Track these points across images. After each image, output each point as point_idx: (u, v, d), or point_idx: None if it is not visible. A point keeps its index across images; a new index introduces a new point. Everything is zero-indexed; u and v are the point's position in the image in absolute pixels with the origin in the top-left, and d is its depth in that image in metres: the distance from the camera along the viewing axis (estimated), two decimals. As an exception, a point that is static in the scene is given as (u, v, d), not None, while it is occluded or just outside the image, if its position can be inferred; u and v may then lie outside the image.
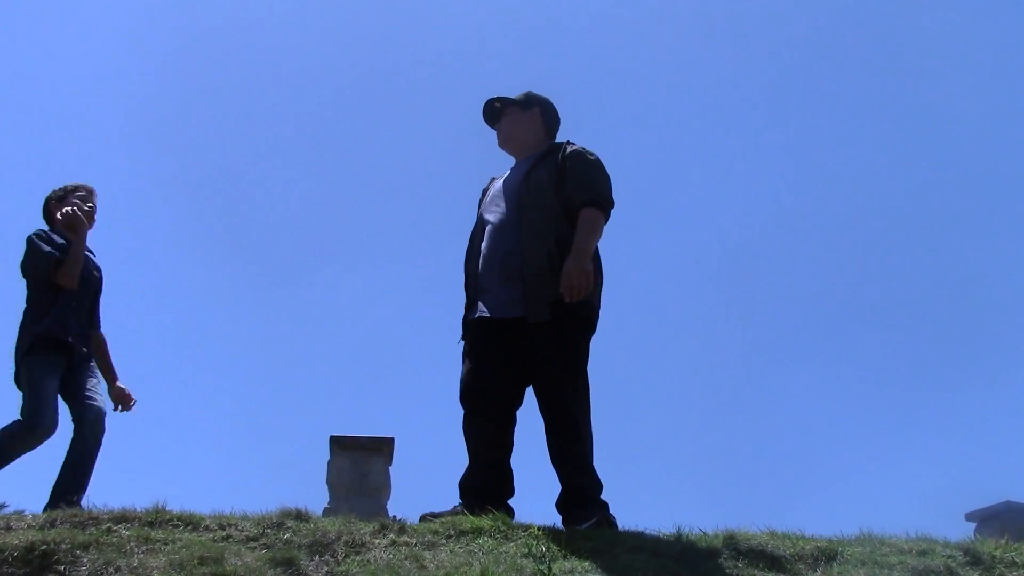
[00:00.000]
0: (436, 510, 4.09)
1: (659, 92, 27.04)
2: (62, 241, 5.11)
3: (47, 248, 5.04)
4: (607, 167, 4.51)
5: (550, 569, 2.89)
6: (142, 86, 24.91)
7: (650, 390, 25.48)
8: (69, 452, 4.91)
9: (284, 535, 3.52)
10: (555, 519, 4.00)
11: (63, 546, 3.20)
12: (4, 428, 4.76)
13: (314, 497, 8.79)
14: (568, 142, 4.63)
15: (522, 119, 4.73)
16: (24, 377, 4.92)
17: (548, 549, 3.03)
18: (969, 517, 11.56)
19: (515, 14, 25.30)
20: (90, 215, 5.31)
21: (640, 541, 3.65)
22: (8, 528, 3.53)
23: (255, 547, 3.39)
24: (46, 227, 5.28)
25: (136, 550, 3.25)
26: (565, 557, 3.15)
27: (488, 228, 4.56)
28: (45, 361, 4.92)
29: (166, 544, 3.32)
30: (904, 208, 27.31)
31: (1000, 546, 3.80)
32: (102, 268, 5.47)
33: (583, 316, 4.30)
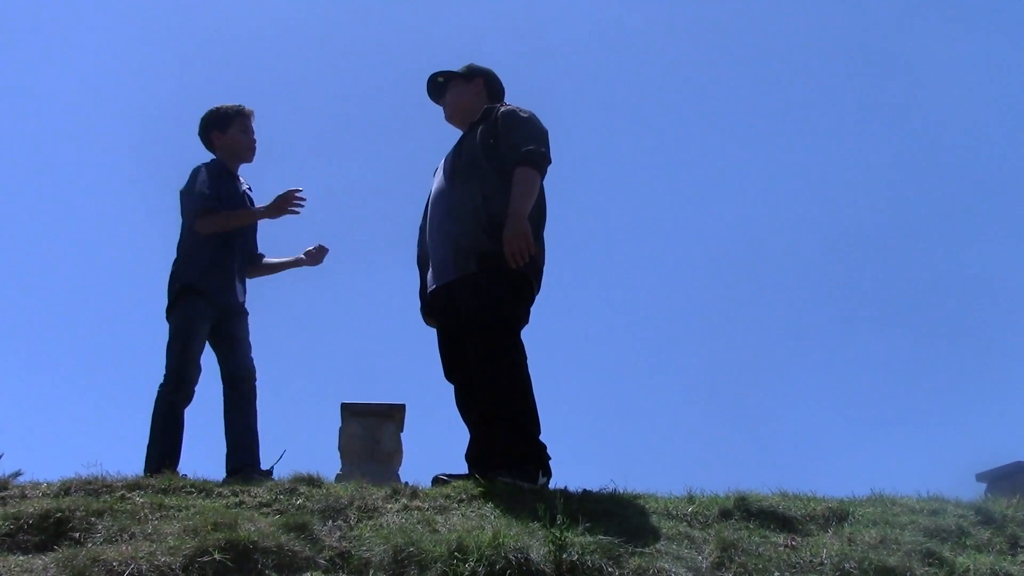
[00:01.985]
0: (449, 471, 4.10)
1: (662, 94, 26.87)
2: (226, 186, 4.87)
3: (204, 191, 4.76)
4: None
5: (562, 532, 2.89)
6: (140, 87, 24.81)
7: (664, 353, 25.51)
8: (235, 417, 4.69)
9: (297, 501, 3.54)
10: (565, 482, 4.00)
11: (78, 513, 3.22)
12: (156, 401, 4.58)
13: (326, 464, 8.83)
14: (503, 103, 4.54)
15: (466, 90, 4.65)
16: (173, 324, 4.69)
17: (560, 512, 3.02)
18: (980, 478, 11.53)
19: (522, 18, 25.07)
20: (252, 145, 5.06)
21: (652, 503, 3.66)
22: (23, 496, 3.56)
23: (268, 512, 3.41)
24: (211, 156, 5.01)
25: (150, 517, 3.26)
26: (577, 520, 3.15)
27: (429, 202, 4.55)
28: (195, 309, 4.67)
29: (180, 511, 3.34)
30: (925, 188, 27.11)
31: (1012, 505, 3.80)
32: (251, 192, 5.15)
33: (508, 269, 4.11)
